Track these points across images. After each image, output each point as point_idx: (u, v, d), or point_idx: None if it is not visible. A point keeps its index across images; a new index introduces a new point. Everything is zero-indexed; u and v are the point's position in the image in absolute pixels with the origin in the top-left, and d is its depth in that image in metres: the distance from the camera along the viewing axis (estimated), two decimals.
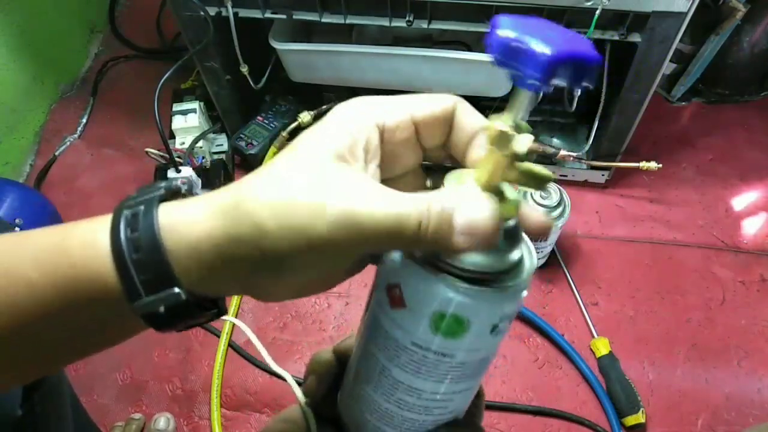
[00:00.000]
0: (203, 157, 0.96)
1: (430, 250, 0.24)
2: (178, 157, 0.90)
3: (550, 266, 0.91)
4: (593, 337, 0.84)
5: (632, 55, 0.74)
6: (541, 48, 0.20)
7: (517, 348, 0.84)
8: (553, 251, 0.89)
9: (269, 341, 0.87)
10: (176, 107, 0.97)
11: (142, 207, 0.25)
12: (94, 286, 0.24)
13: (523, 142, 0.22)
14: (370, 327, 0.27)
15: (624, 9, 0.68)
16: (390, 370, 0.26)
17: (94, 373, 0.85)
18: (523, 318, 0.85)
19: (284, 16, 0.78)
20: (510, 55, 0.21)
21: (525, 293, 0.25)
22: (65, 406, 0.54)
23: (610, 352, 0.82)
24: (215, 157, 0.97)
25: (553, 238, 0.83)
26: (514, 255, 0.25)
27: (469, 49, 0.92)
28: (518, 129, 0.22)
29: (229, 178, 0.99)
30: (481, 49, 0.92)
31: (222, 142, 0.99)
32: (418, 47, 0.83)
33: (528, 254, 0.26)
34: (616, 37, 0.72)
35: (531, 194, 0.79)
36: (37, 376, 0.31)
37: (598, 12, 0.66)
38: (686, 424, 0.79)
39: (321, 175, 0.23)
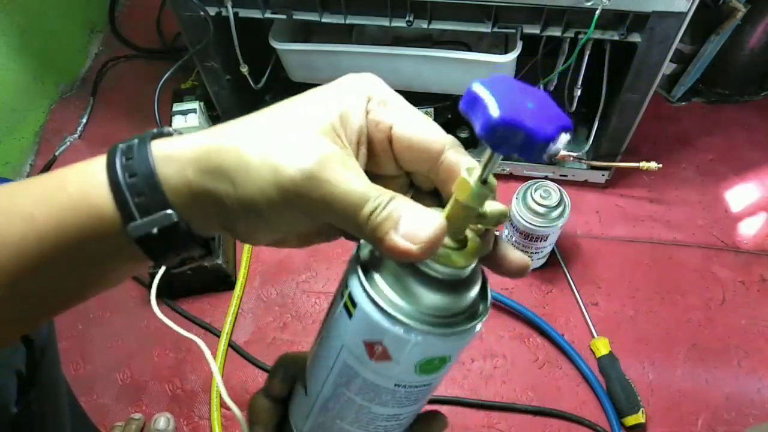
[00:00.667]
0: None
1: (367, 240, 0.25)
2: None
3: (550, 266, 0.91)
4: (593, 337, 0.84)
5: (632, 55, 0.74)
6: (493, 109, 0.21)
7: (517, 348, 0.84)
8: (553, 251, 0.89)
9: (269, 341, 0.87)
10: (176, 107, 0.97)
11: (136, 140, 0.27)
12: (91, 213, 0.25)
13: (493, 207, 0.25)
14: (341, 374, 0.28)
15: (624, 9, 0.68)
16: (369, 408, 0.28)
17: (94, 373, 0.85)
18: (523, 318, 0.85)
19: (284, 16, 0.78)
20: (471, 108, 0.22)
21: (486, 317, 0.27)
22: (63, 405, 0.54)
23: (610, 352, 0.82)
24: None
25: (553, 239, 0.83)
26: (480, 294, 0.27)
27: (470, 49, 0.92)
28: (486, 183, 0.24)
29: None
30: (482, 50, 0.92)
31: None
32: (418, 47, 0.83)
33: (485, 287, 0.28)
34: (616, 37, 0.72)
35: (531, 194, 0.79)
36: (37, 324, 0.31)
37: (598, 12, 0.66)
38: (686, 424, 0.79)
39: (308, 145, 0.25)
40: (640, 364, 0.83)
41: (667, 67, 0.85)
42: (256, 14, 0.78)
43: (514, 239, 0.84)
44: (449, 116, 0.97)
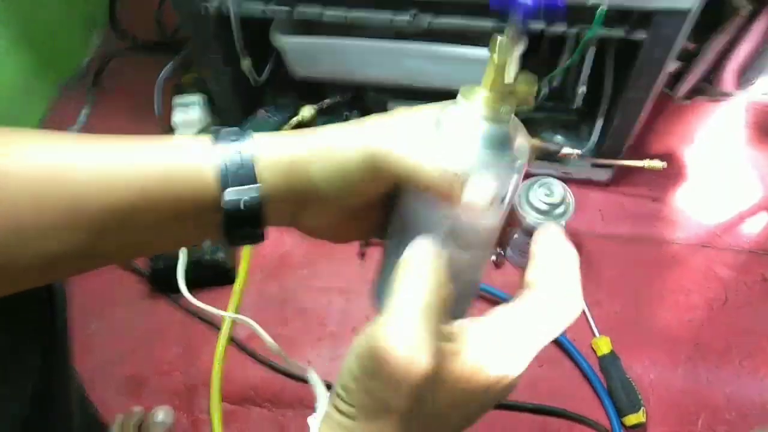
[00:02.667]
0: None
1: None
2: None
3: None
4: (594, 335, 0.84)
5: (636, 53, 0.73)
6: None
7: None
8: None
9: (271, 336, 0.86)
10: (177, 100, 0.97)
11: (237, 129, 0.33)
12: (193, 177, 0.31)
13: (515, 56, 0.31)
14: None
15: (628, 6, 0.67)
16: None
17: (95, 367, 0.85)
18: None
19: (287, 8, 0.78)
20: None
21: (517, 174, 0.33)
22: (73, 403, 0.53)
23: (612, 351, 0.82)
24: None
25: None
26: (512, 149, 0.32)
27: (474, 45, 0.91)
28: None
29: None
30: (485, 45, 0.92)
31: None
32: (422, 42, 0.82)
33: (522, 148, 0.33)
34: (621, 35, 0.72)
35: (534, 191, 0.78)
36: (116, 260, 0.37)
37: (601, 9, 0.66)
38: (687, 423, 0.79)
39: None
40: (641, 364, 0.83)
41: (671, 65, 0.85)
42: (258, 6, 0.78)
43: (517, 236, 0.84)
44: None
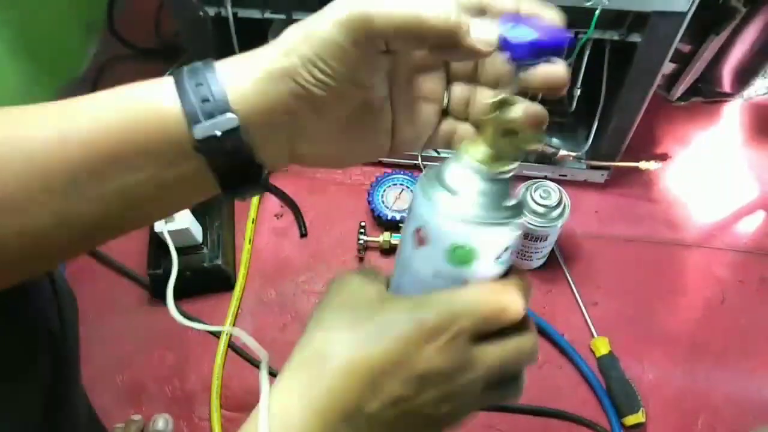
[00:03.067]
0: None
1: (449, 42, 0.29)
2: None
3: (550, 266, 0.91)
4: (593, 336, 0.84)
5: (632, 54, 0.74)
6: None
7: None
8: (552, 251, 0.89)
9: (269, 342, 0.86)
10: None
11: (200, 63, 0.30)
12: (159, 114, 0.29)
13: (517, 109, 0.31)
14: (403, 265, 0.35)
15: (624, 9, 0.68)
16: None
17: (94, 374, 0.85)
18: None
19: (284, 16, 0.78)
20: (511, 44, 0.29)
21: (520, 231, 0.33)
22: (81, 414, 0.53)
23: (610, 351, 0.82)
24: None
25: (552, 238, 0.83)
26: (511, 201, 0.32)
27: None
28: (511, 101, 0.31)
29: None
30: None
31: None
32: None
33: (521, 204, 0.33)
34: (616, 37, 0.72)
35: (531, 194, 0.79)
36: (90, 245, 0.35)
37: (598, 12, 0.66)
38: (686, 423, 0.79)
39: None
40: (640, 364, 0.83)
41: (667, 67, 0.85)
42: (255, 14, 0.78)
43: None
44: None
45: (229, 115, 0.28)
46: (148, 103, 0.29)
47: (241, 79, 0.29)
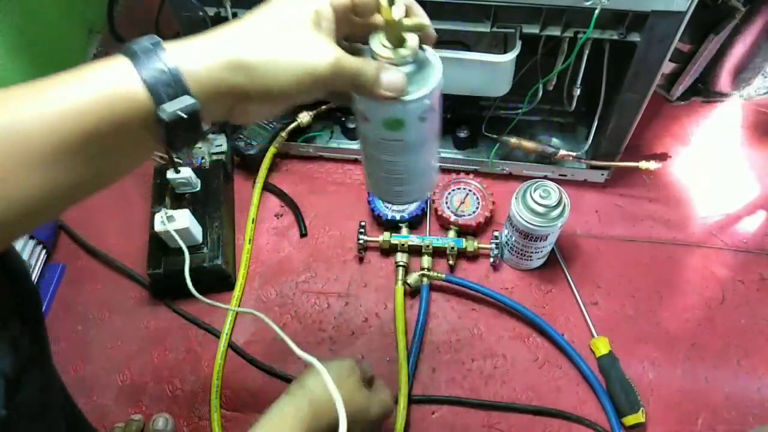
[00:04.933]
0: (202, 158, 0.96)
1: (365, 93, 0.41)
2: (178, 157, 0.90)
3: (550, 266, 0.91)
4: (593, 336, 0.84)
5: (631, 54, 0.74)
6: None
7: (516, 348, 0.84)
8: (552, 251, 0.89)
9: (269, 341, 0.87)
10: None
11: (148, 44, 0.35)
12: (128, 97, 0.34)
13: (398, 10, 0.40)
14: (363, 140, 0.48)
15: (623, 8, 0.68)
16: (378, 156, 0.48)
17: (94, 374, 0.85)
18: (523, 318, 0.85)
19: None
20: None
21: (435, 93, 0.43)
22: (56, 407, 0.53)
23: (610, 351, 0.82)
24: (214, 157, 0.97)
25: (552, 238, 0.83)
26: (420, 75, 0.43)
27: (468, 49, 0.92)
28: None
29: (228, 179, 0.99)
30: (481, 49, 0.92)
31: (221, 143, 0.99)
32: None
33: (433, 69, 0.44)
34: (615, 37, 0.72)
35: (530, 193, 0.79)
36: (64, 207, 0.38)
37: (597, 11, 0.66)
38: (686, 423, 0.79)
39: (322, 45, 0.38)
40: (640, 364, 0.83)
41: (666, 67, 0.85)
42: None
43: (513, 239, 0.84)
44: (448, 116, 0.97)
45: (190, 99, 0.34)
46: (116, 86, 0.34)
47: (196, 63, 0.35)
